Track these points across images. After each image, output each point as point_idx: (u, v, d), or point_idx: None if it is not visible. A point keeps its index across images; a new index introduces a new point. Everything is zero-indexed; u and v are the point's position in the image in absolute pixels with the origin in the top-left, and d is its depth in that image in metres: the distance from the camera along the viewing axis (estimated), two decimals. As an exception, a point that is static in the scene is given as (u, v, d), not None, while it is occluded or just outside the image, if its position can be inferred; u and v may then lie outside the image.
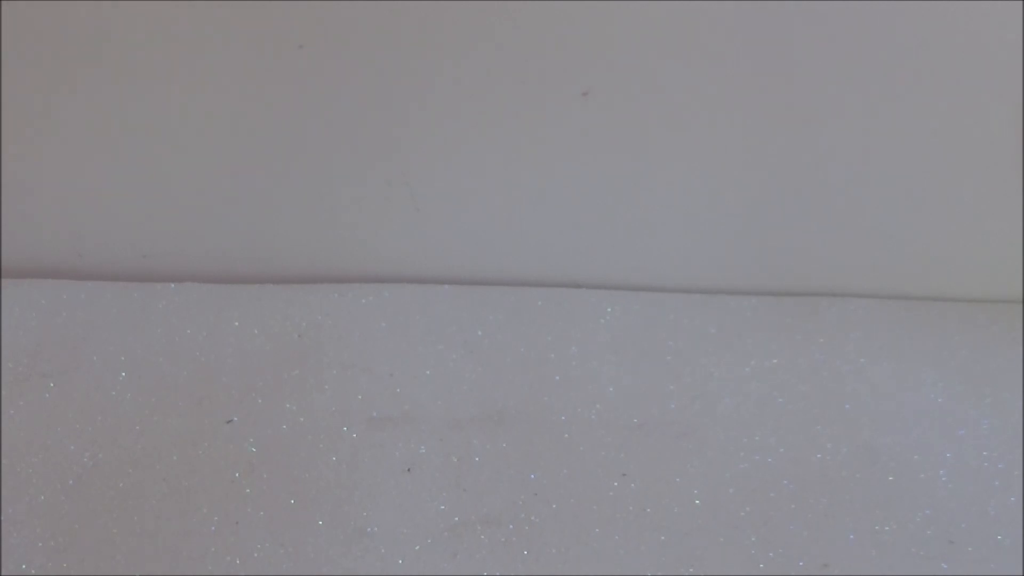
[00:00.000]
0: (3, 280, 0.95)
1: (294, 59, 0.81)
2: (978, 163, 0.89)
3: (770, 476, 0.82)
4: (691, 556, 0.76)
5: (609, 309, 0.97)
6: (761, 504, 0.80)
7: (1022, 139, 0.86)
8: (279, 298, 0.95)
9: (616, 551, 0.76)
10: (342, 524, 0.77)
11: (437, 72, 0.83)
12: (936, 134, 0.86)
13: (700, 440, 0.85)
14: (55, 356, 0.89)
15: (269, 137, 0.88)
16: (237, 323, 0.93)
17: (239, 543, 0.75)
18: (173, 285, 0.96)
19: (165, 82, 0.83)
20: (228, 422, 0.84)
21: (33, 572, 0.73)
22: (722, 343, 0.94)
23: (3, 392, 0.85)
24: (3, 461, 0.80)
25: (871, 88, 0.83)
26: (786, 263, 0.98)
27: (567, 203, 0.94)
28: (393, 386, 0.88)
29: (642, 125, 0.87)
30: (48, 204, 0.93)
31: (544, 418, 0.86)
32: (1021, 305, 0.99)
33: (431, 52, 0.81)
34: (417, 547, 0.76)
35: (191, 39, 0.80)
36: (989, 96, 0.83)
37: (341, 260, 0.99)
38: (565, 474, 0.81)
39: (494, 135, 0.88)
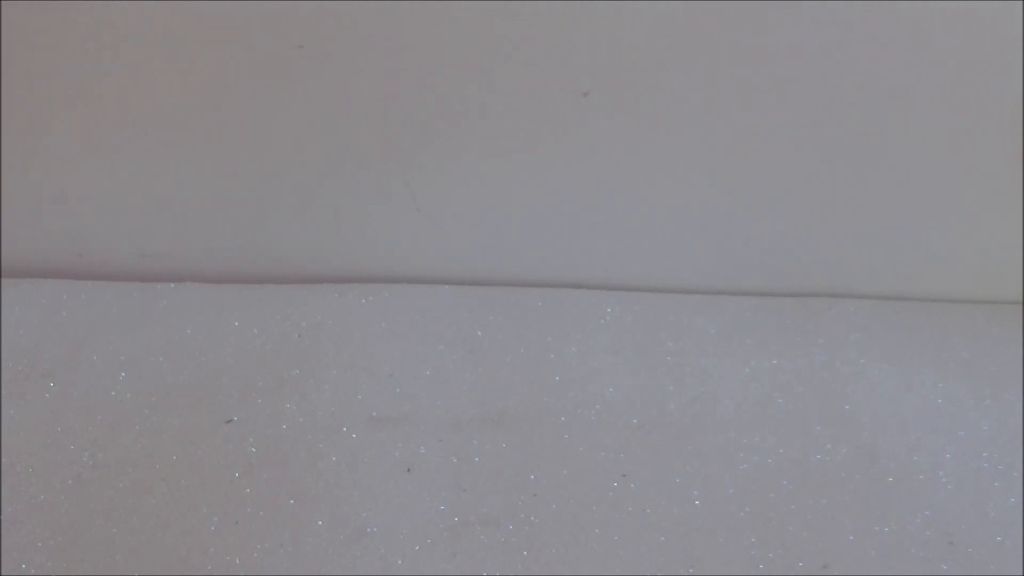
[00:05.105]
0: (3, 280, 0.95)
1: (294, 59, 0.81)
2: (978, 163, 0.89)
3: (770, 476, 0.82)
4: (691, 556, 0.76)
5: (609, 309, 0.97)
6: (761, 504, 0.80)
7: (1022, 139, 0.86)
8: (279, 298, 0.95)
9: (616, 551, 0.76)
10: (342, 524, 0.77)
11: (437, 72, 0.83)
12: (936, 135, 0.86)
13: (700, 441, 0.85)
14: (55, 356, 0.89)
15: (269, 137, 0.88)
16: (237, 323, 0.93)
17: (239, 543, 0.75)
18: (173, 285, 0.96)
19: (165, 82, 0.83)
20: (228, 422, 0.84)
21: (33, 572, 0.73)
22: (722, 343, 0.94)
23: (3, 392, 0.85)
24: (3, 461, 0.80)
25: (871, 88, 0.83)
26: (786, 263, 0.98)
27: (567, 203, 0.94)
28: (393, 386, 0.88)
29: (642, 126, 0.87)
30: (48, 204, 0.93)
31: (544, 418, 0.86)
32: (1021, 305, 0.99)
33: (431, 52, 0.81)
34: (417, 547, 0.76)
35: (191, 39, 0.80)
36: (989, 96, 0.83)
37: (341, 260, 0.99)
38: (565, 475, 0.81)
39: (494, 135, 0.88)
